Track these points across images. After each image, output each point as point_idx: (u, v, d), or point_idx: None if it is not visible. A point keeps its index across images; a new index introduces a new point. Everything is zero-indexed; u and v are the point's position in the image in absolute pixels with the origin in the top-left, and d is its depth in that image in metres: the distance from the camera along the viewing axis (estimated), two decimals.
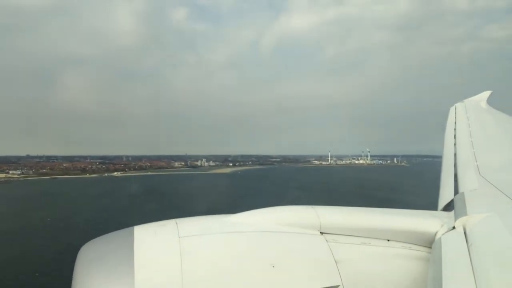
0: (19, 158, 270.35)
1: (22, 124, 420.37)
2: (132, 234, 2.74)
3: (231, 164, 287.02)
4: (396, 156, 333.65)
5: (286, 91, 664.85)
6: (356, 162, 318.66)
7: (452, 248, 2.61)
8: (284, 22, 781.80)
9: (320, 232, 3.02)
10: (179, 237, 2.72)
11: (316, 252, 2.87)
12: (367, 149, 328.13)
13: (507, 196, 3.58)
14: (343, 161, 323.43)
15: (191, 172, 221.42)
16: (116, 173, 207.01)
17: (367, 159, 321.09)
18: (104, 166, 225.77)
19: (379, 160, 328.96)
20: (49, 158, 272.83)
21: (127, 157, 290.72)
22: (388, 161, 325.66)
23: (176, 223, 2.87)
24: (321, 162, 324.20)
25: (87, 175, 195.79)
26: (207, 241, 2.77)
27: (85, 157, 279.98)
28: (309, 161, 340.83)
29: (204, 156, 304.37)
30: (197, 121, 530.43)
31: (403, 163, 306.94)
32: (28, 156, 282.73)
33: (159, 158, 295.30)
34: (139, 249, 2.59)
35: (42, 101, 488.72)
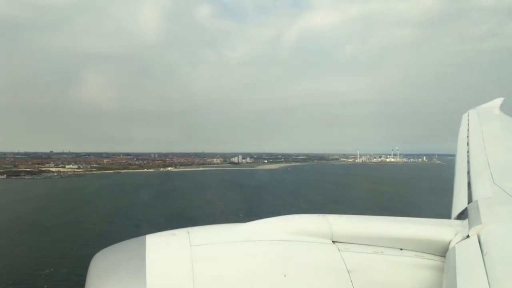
0: (48, 155, 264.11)
1: (45, 121, 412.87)
2: (144, 243, 2.74)
3: (266, 161, 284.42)
4: (428, 155, 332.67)
5: (307, 89, 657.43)
6: (387, 160, 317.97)
7: (466, 257, 2.58)
8: (307, 20, 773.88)
9: (332, 241, 2.98)
10: (190, 246, 2.71)
11: (328, 261, 2.83)
12: (396, 148, 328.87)
13: None
14: (375, 159, 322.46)
15: (243, 168, 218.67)
16: (169, 168, 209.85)
17: (397, 158, 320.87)
18: (145, 162, 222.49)
19: (411, 158, 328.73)
20: (78, 154, 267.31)
21: (154, 154, 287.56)
22: (420, 160, 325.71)
23: (188, 232, 2.87)
24: (354, 159, 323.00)
25: (145, 170, 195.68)
26: (218, 250, 2.76)
27: (113, 154, 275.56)
28: (337, 159, 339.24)
29: (222, 154, 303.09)
30: (213, 119, 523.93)
31: (438, 162, 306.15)
32: (52, 153, 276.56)
33: (183, 155, 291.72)
34: (151, 258, 2.59)
35: (63, 98, 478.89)
